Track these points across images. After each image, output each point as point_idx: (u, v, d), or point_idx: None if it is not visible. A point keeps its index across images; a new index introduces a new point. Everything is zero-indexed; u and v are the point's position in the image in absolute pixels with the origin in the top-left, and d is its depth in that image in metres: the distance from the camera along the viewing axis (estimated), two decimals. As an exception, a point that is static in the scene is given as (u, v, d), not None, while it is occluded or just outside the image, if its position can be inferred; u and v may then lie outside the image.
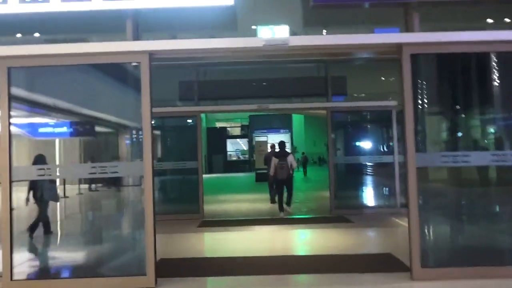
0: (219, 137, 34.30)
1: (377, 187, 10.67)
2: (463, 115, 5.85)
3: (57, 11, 4.01)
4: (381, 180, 10.27)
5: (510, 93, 4.79)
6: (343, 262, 5.03)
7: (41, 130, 9.26)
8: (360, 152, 10.01)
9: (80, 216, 10.93)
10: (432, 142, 5.80)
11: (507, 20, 7.50)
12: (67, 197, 11.96)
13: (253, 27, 5.10)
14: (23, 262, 5.08)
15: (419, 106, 4.69)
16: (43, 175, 4.50)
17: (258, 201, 11.59)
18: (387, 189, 9.72)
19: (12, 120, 4.34)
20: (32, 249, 6.33)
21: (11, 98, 4.30)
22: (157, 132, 9.45)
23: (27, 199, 6.43)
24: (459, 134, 6.29)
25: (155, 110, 4.26)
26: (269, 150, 12.23)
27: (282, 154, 8.80)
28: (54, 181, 7.02)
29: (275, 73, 9.96)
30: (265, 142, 21.81)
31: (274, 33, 3.69)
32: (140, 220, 4.38)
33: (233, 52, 4.03)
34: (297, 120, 38.57)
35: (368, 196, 10.31)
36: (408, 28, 4.16)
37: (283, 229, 7.47)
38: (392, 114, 8.82)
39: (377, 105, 9.01)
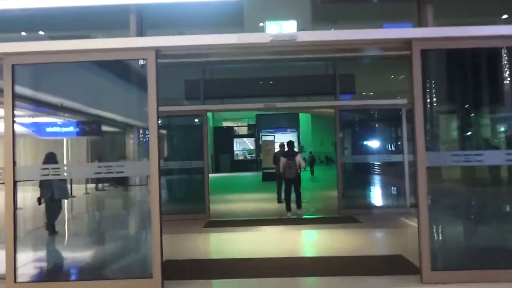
0: (226, 136, 34.25)
1: (386, 187, 10.51)
2: (475, 113, 5.69)
3: (60, 6, 3.93)
4: (390, 180, 10.11)
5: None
6: (352, 264, 4.92)
7: (48, 129, 9.27)
8: (368, 151, 9.85)
9: (87, 216, 10.91)
10: (443, 140, 5.65)
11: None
12: (74, 196, 11.95)
13: (261, 24, 4.97)
14: (27, 263, 5.03)
15: (429, 104, 4.55)
16: (48, 175, 4.44)
17: (265, 201, 11.49)
18: (396, 189, 9.55)
19: (18, 119, 4.27)
20: (37, 250, 6.28)
21: (15, 96, 4.23)
22: (163, 132, 9.38)
23: (39, 199, 6.40)
24: (471, 132, 6.13)
25: (161, 109, 4.17)
26: (277, 149, 12.12)
27: (290, 153, 8.81)
28: (64, 180, 7.05)
29: (282, 71, 9.84)
30: (272, 142, 21.71)
31: (282, 29, 3.56)
32: (146, 220, 4.30)
33: (238, 48, 3.92)
34: (304, 119, 38.40)
35: (377, 196, 10.16)
36: (421, 24, 4.02)
37: (291, 230, 7.36)
38: (402, 112, 8.66)
39: (387, 103, 8.85)
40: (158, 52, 4.00)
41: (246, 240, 6.63)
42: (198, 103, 9.45)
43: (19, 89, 4.29)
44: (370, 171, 10.34)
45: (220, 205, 10.63)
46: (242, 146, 36.65)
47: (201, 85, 9.58)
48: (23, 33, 5.87)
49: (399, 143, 9.43)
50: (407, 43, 4.05)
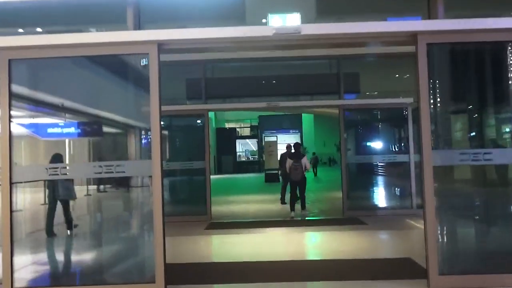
0: (228, 137, 34.16)
1: (391, 188, 10.34)
2: (485, 111, 5.53)
3: (56, 0, 3.80)
4: (395, 181, 9.94)
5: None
6: (359, 268, 4.77)
7: (49, 130, 9.17)
8: (373, 151, 9.68)
9: (88, 218, 10.78)
10: (450, 139, 5.48)
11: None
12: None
13: (263, 20, 4.83)
14: (25, 268, 4.90)
15: (436, 101, 4.39)
16: (46, 175, 4.32)
17: (268, 202, 11.35)
18: (402, 189, 9.37)
19: (18, 120, 4.14)
20: (35, 253, 6.15)
21: (12, 94, 4.09)
22: (164, 132, 9.25)
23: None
24: (480, 131, 5.96)
25: (162, 108, 4.04)
26: (283, 150, 11.99)
27: (296, 155, 8.87)
28: (70, 179, 7.05)
29: (285, 70, 9.70)
30: (275, 143, 21.58)
31: (286, 21, 3.42)
32: (148, 223, 4.16)
33: (240, 42, 3.77)
34: (307, 120, 38.30)
35: (382, 197, 9.99)
36: (431, 17, 3.83)
37: (294, 232, 7.20)
38: (408, 111, 8.49)
39: (392, 102, 8.68)
40: (161, 46, 3.84)
41: (249, 242, 6.49)
42: (200, 102, 9.33)
43: (18, 88, 4.15)
44: (375, 172, 10.17)
45: (222, 206, 10.49)
46: (245, 147, 36.55)
47: (202, 84, 9.45)
48: (20, 30, 5.76)
49: (403, 144, 9.28)
50: (412, 36, 3.86)
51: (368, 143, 9.93)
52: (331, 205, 10.26)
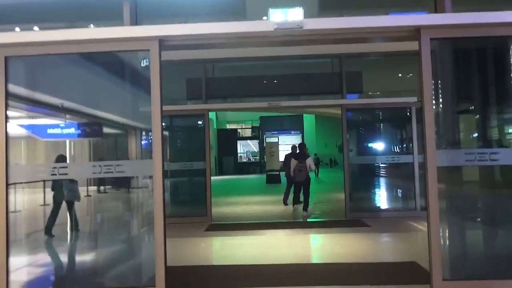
0: (229, 138, 34.09)
1: (395, 189, 10.21)
2: (492, 110, 5.41)
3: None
4: (399, 182, 9.80)
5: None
6: (362, 272, 4.63)
7: (49, 131, 9.08)
8: (376, 152, 9.55)
9: (87, 220, 10.68)
10: (455, 139, 5.36)
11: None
12: (75, 199, 11.75)
13: (264, 18, 4.72)
14: (21, 271, 4.79)
15: (440, 100, 4.25)
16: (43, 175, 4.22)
17: (269, 203, 11.22)
18: (405, 191, 9.24)
19: (17, 121, 4.03)
20: (33, 256, 6.04)
21: (9, 94, 3.98)
22: (165, 133, 9.14)
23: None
24: (487, 131, 5.84)
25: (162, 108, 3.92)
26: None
27: (301, 156, 8.95)
28: (75, 181, 7.02)
29: (286, 69, 9.59)
30: (276, 144, 21.46)
31: (288, 16, 3.31)
32: (149, 225, 4.04)
33: (241, 38, 3.64)
34: (308, 121, 38.20)
35: (386, 199, 9.85)
36: (437, 10, 3.69)
37: (296, 234, 7.06)
38: (412, 111, 8.36)
39: (395, 102, 8.54)
40: (162, 42, 3.70)
41: (250, 244, 6.35)
42: (200, 102, 9.21)
43: (15, 88, 4.04)
44: (378, 173, 10.04)
45: (222, 207, 10.37)
46: (246, 148, 36.44)
47: (203, 83, 9.33)
48: (17, 29, 5.66)
49: (406, 144, 9.16)
50: (415, 31, 3.69)
51: (371, 144, 9.79)
52: (334, 207, 10.12)
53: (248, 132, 37.74)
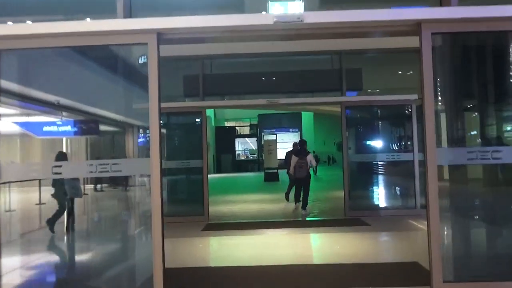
0: (227, 136, 33.97)
1: (395, 187, 10.12)
2: (496, 108, 5.32)
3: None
4: (399, 180, 9.71)
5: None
6: (362, 273, 4.54)
7: (45, 128, 8.93)
8: (376, 149, 9.45)
9: (83, 219, 10.55)
10: (455, 137, 5.26)
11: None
12: (71, 197, 11.60)
13: (263, 13, 4.58)
14: (14, 272, 4.67)
15: (441, 97, 4.15)
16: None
17: (267, 202, 11.12)
18: (405, 189, 9.15)
19: (12, 118, 3.90)
20: (26, 257, 5.91)
21: (1, 89, 3.85)
22: (162, 130, 9.01)
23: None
24: (489, 129, 5.75)
25: (159, 105, 3.80)
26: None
27: (302, 153, 8.98)
28: (77, 179, 6.96)
29: (285, 66, 9.46)
30: (274, 141, 21.35)
31: (287, 9, 3.19)
32: (146, 225, 3.92)
33: (239, 32, 3.51)
34: (307, 119, 38.09)
35: (385, 197, 9.75)
36: (442, 4, 3.57)
37: (295, 233, 6.95)
38: (412, 108, 8.26)
39: (396, 99, 8.44)
40: (161, 35, 3.56)
41: (247, 244, 6.25)
42: (197, 99, 9.09)
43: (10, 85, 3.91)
44: (378, 171, 9.95)
45: (220, 206, 10.25)
46: (244, 146, 36.34)
47: (200, 80, 9.20)
48: (9, 23, 5.52)
49: (406, 142, 9.07)
50: (416, 25, 3.56)
51: (371, 142, 9.70)
52: (333, 205, 10.03)
53: (246, 130, 37.62)
